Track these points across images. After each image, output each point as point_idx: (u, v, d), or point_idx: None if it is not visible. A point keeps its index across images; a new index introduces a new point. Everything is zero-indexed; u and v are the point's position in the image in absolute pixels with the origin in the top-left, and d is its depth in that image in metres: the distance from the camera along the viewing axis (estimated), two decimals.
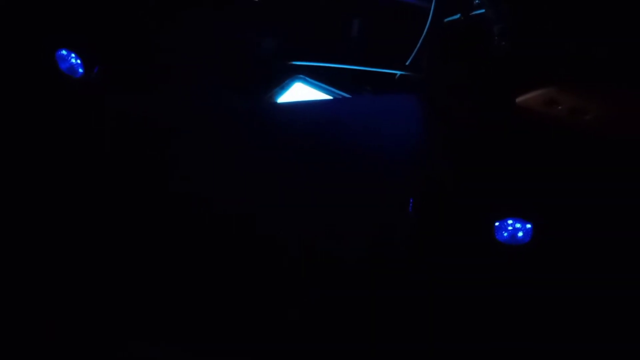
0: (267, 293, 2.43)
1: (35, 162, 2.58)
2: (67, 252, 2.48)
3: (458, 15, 2.63)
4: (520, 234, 2.44)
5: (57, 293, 2.43)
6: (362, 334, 2.40)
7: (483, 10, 2.58)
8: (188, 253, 2.48)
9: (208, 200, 2.51)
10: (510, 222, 2.44)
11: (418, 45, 2.66)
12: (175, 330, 2.41)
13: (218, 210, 2.50)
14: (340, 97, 2.75)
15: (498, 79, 2.44)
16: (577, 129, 2.31)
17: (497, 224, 2.44)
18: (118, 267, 2.46)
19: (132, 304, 2.43)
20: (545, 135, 2.37)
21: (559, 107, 2.29)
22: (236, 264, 2.47)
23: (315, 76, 2.82)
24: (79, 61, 2.62)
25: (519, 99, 2.33)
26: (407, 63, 2.72)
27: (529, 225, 2.44)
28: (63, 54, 2.62)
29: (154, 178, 2.55)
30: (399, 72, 2.75)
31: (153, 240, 2.49)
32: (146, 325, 2.42)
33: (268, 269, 2.45)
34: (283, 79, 2.83)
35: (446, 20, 2.66)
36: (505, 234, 2.44)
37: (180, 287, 2.43)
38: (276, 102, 2.84)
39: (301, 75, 2.82)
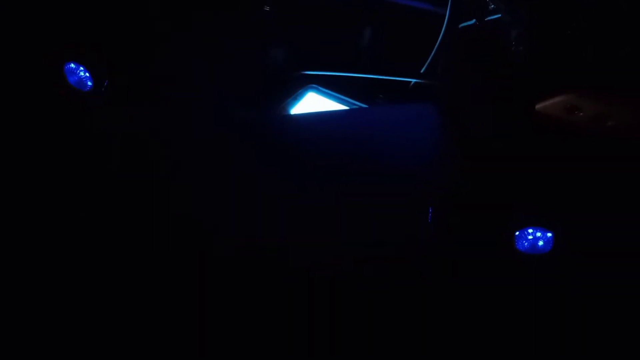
0: (286, 310, 2.40)
1: (43, 176, 2.56)
2: (75, 261, 2.47)
3: (473, 21, 2.60)
4: (540, 243, 2.41)
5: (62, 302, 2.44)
6: (379, 347, 2.37)
7: (499, 15, 2.55)
8: (198, 273, 2.45)
9: (219, 217, 2.48)
10: (530, 231, 2.41)
11: (433, 52, 2.63)
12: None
13: (230, 227, 2.46)
14: (355, 107, 2.72)
15: (516, 86, 2.40)
16: (599, 135, 2.27)
17: (517, 233, 2.41)
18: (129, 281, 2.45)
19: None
20: (566, 142, 2.33)
21: (581, 114, 2.25)
22: (252, 281, 2.44)
23: (328, 85, 2.78)
24: (87, 74, 2.60)
25: (538, 106, 2.29)
26: (421, 70, 2.68)
27: (549, 234, 2.40)
28: (72, 67, 2.60)
29: (162, 192, 2.52)
30: (413, 80, 2.72)
31: (161, 259, 2.47)
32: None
33: (285, 285, 2.42)
34: (295, 90, 2.79)
35: (461, 25, 2.63)
36: (526, 244, 2.41)
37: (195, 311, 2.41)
38: (289, 114, 2.80)
39: (314, 85, 2.79)
